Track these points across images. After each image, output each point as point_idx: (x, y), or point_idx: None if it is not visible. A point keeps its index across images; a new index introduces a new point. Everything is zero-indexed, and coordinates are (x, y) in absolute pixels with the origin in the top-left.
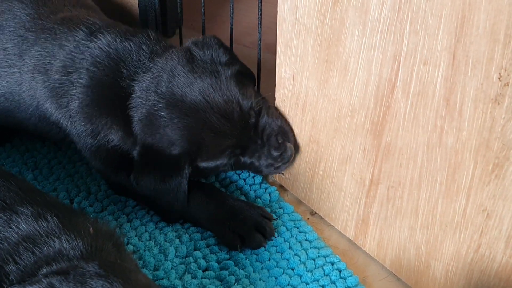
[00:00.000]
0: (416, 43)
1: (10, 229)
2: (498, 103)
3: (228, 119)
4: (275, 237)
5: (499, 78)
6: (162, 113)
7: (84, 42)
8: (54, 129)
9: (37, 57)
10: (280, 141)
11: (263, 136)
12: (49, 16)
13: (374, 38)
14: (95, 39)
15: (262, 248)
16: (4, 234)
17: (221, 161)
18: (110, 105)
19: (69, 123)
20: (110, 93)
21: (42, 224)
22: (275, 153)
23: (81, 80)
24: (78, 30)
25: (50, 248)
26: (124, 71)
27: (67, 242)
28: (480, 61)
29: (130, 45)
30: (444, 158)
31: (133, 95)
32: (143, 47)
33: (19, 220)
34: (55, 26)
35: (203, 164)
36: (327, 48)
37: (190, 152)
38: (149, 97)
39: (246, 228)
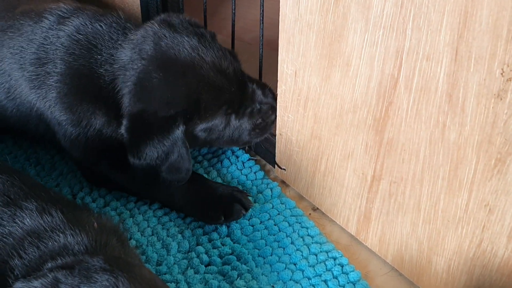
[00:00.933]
0: (418, 39)
1: (14, 224)
2: (501, 99)
3: (225, 75)
4: (253, 206)
5: (502, 74)
6: (155, 74)
7: (52, 31)
8: (34, 122)
9: (8, 57)
10: (269, 97)
11: (253, 95)
12: (6, 15)
13: (377, 34)
14: (63, 27)
15: (264, 243)
16: (8, 229)
17: (218, 120)
18: (90, 92)
19: (49, 112)
20: (88, 80)
21: (47, 219)
22: (265, 107)
23: (57, 70)
24: (44, 20)
25: (55, 242)
26: (99, 56)
27: (72, 237)
28: (482, 56)
29: (101, 26)
30: (446, 154)
31: (118, 78)
32: (114, 25)
33: (24, 215)
34: (16, 22)
35: (200, 127)
36: (329, 44)
37: (187, 111)
38: (135, 66)
39: (225, 202)
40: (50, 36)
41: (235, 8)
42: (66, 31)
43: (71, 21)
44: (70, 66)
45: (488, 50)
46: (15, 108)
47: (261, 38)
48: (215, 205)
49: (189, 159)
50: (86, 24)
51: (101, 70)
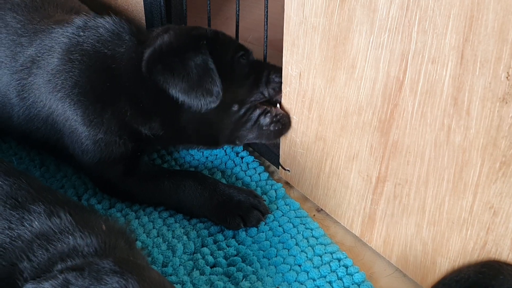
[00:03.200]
0: (424, 42)
1: (23, 227)
2: (506, 102)
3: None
4: (270, 213)
5: (507, 78)
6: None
7: (77, 34)
8: (42, 127)
9: (34, 55)
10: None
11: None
12: (42, 20)
13: (382, 37)
14: (88, 31)
15: (269, 244)
16: (17, 232)
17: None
18: (111, 82)
19: (60, 107)
20: (109, 70)
21: (55, 221)
22: (277, 79)
23: (79, 59)
24: (71, 25)
25: (64, 244)
26: (119, 48)
27: (81, 239)
28: (488, 60)
29: (120, 24)
30: (451, 156)
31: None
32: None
33: (32, 218)
34: (49, 28)
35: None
36: (334, 47)
37: (209, 39)
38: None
39: (244, 208)
40: (77, 38)
41: (239, 10)
42: (92, 32)
43: (96, 25)
44: (92, 65)
45: (494, 54)
46: (25, 107)
47: (265, 39)
48: (233, 212)
49: (219, 83)
50: (109, 22)
51: (124, 57)
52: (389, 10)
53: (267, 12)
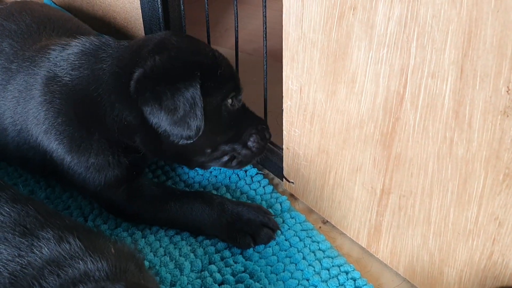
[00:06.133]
0: (423, 57)
1: (33, 254)
2: (507, 116)
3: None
4: (279, 230)
5: (507, 91)
6: (172, 42)
7: (53, 62)
8: (36, 154)
9: (22, 83)
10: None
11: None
12: (31, 46)
13: (381, 52)
14: (63, 57)
15: (276, 259)
16: (27, 259)
17: (223, 97)
18: (94, 110)
19: (55, 142)
20: (89, 97)
21: (65, 247)
22: (255, 144)
23: (63, 82)
24: (48, 53)
25: (75, 270)
26: (104, 65)
27: (92, 264)
28: (488, 74)
29: (104, 41)
30: (454, 168)
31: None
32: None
33: (41, 244)
34: (34, 54)
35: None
36: (333, 62)
37: (204, 70)
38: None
39: (253, 227)
40: (52, 63)
41: (238, 21)
42: (71, 51)
43: (71, 44)
44: (71, 93)
45: (493, 69)
46: (16, 133)
47: (265, 55)
48: (243, 231)
49: (202, 118)
50: (91, 42)
51: (99, 82)
52: (387, 26)
53: (265, 28)
